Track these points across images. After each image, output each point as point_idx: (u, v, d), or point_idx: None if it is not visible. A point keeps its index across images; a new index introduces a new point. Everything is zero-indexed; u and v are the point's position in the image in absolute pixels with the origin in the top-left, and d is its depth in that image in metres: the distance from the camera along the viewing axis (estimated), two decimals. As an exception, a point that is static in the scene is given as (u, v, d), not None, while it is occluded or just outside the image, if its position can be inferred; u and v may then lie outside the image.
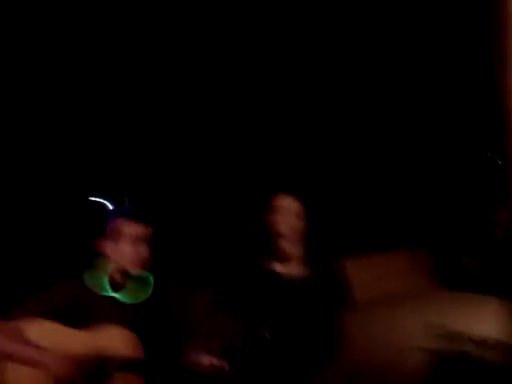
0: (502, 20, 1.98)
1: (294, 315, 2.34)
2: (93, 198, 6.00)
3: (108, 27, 5.38)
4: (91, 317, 1.88)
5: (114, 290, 1.96)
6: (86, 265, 2.03)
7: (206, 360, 1.91)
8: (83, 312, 1.89)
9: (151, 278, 2.07)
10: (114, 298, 1.95)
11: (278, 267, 2.41)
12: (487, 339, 2.70)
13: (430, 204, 8.81)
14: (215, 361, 1.91)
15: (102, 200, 6.24)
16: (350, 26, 5.82)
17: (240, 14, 5.48)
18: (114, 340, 1.87)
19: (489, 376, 2.46)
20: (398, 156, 8.44)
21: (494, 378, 2.42)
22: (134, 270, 1.96)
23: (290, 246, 2.43)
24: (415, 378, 2.73)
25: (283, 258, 2.41)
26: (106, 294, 1.95)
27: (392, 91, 7.24)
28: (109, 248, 1.96)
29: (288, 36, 5.93)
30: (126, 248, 1.94)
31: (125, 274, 1.97)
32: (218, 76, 6.34)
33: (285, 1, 5.41)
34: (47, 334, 1.82)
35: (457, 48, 5.81)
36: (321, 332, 2.40)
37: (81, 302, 1.91)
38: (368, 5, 5.41)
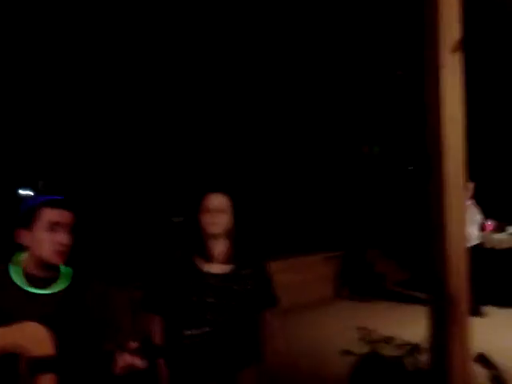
0: (432, 27, 2.08)
1: (217, 313, 2.33)
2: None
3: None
4: (5, 312, 1.79)
5: (30, 282, 1.87)
6: (7, 257, 1.94)
7: (124, 358, 1.86)
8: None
9: (70, 270, 1.99)
10: (29, 291, 1.86)
11: (205, 266, 2.39)
12: (408, 343, 2.78)
13: (352, 208, 9.10)
14: (133, 359, 1.86)
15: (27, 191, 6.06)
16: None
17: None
18: (27, 337, 1.78)
19: (407, 378, 2.53)
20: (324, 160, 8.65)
21: (411, 380, 2.49)
22: (51, 261, 1.87)
23: (216, 244, 2.42)
24: (339, 381, 2.74)
25: (209, 257, 2.40)
26: (21, 286, 1.86)
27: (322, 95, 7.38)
28: (26, 237, 1.87)
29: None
30: (41, 236, 1.82)
31: (41, 265, 1.89)
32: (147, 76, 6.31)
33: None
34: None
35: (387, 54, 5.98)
36: (244, 331, 2.40)
37: None
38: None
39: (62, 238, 1.85)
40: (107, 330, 1.98)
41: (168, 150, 7.08)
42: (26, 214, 1.86)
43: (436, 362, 2.01)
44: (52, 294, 1.90)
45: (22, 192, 6.30)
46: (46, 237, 1.83)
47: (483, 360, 2.14)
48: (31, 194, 6.50)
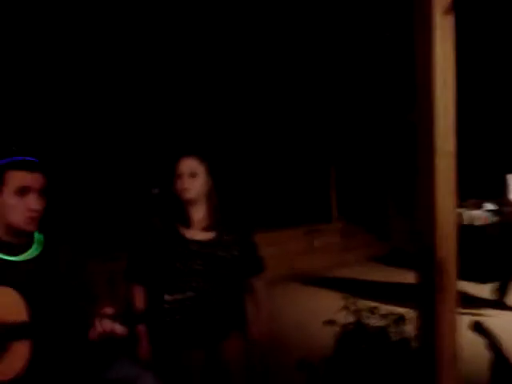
0: None
1: (202, 280, 2.28)
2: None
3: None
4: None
5: (2, 248, 1.77)
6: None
7: (103, 324, 1.79)
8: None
9: (41, 236, 1.89)
10: (1, 258, 1.77)
11: (187, 232, 2.33)
12: (393, 313, 2.76)
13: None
14: (112, 325, 1.79)
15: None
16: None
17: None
18: (1, 304, 1.69)
19: (391, 348, 2.52)
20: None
21: (396, 350, 2.48)
22: (22, 227, 1.77)
23: (195, 210, 2.36)
24: (323, 351, 2.73)
25: (190, 223, 2.34)
26: None
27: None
28: None
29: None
30: (10, 201, 1.72)
31: (12, 231, 1.79)
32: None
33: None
34: None
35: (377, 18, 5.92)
36: (230, 299, 2.36)
37: None
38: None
39: (33, 202, 1.74)
40: (84, 296, 1.91)
41: (144, 116, 6.96)
42: None
43: (423, 330, 1.99)
44: (25, 260, 1.80)
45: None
46: (16, 202, 1.73)
47: (479, 328, 2.12)
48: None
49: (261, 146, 8.58)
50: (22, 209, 1.73)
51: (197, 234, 2.34)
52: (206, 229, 2.36)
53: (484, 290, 5.89)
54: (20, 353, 1.68)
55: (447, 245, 1.93)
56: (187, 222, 2.34)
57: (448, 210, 2.00)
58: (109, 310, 1.79)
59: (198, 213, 2.38)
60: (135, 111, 6.85)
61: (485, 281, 6.46)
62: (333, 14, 6.01)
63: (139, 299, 2.33)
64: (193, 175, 2.32)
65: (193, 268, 2.27)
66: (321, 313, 3.26)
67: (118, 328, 1.77)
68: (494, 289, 5.55)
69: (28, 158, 1.77)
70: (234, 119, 7.90)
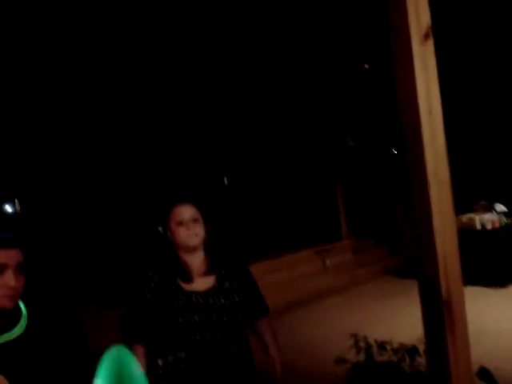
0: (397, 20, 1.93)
1: (206, 332, 2.20)
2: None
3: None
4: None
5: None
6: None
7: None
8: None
9: (24, 312, 1.81)
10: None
11: (186, 285, 2.26)
12: (405, 346, 2.65)
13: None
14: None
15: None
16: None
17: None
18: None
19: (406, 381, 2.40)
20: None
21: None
22: (1, 305, 1.69)
23: (193, 258, 2.29)
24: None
25: (189, 274, 2.26)
26: None
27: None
28: None
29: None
30: None
31: (-6, 310, 1.71)
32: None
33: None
34: None
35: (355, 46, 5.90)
36: (237, 346, 2.27)
37: None
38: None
39: (10, 280, 1.67)
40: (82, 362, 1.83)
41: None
42: None
43: (435, 368, 1.88)
44: (8, 341, 1.72)
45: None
46: None
47: (484, 375, 2.01)
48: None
49: (262, 168, 8.53)
50: None
51: (196, 283, 2.27)
52: (205, 274, 2.29)
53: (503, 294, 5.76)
54: None
55: (453, 282, 1.83)
56: (186, 274, 2.27)
57: (450, 240, 1.90)
58: None
59: (196, 260, 2.31)
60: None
61: (504, 283, 6.32)
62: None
63: (140, 360, 2.24)
64: (195, 221, 2.27)
65: (195, 321, 2.19)
66: (331, 345, 3.16)
67: None
68: None
69: (4, 235, 1.70)
70: (237, 140, 7.87)
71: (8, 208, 6.73)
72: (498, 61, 6.57)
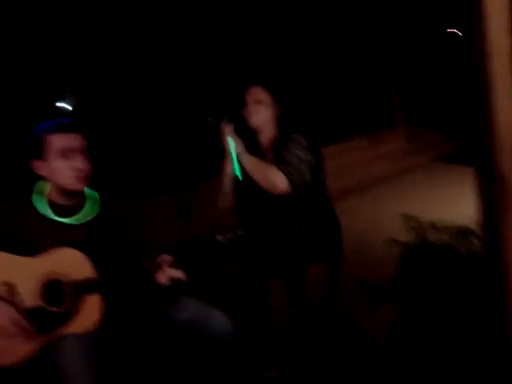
0: None
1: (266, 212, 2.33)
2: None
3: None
4: (38, 242, 1.78)
5: (56, 211, 1.84)
6: (30, 188, 1.89)
7: (164, 272, 1.85)
8: (29, 237, 1.78)
9: (96, 194, 1.94)
10: (57, 220, 1.84)
11: None
12: (460, 228, 2.64)
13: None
14: (173, 272, 1.85)
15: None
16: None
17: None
18: (65, 263, 1.78)
19: (460, 262, 2.44)
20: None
21: (462, 269, 2.40)
22: (72, 188, 1.82)
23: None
24: (386, 272, 2.70)
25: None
26: (48, 216, 1.83)
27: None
28: (42, 168, 1.81)
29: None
30: (57, 164, 1.77)
31: (64, 193, 1.84)
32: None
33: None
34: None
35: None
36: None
37: (25, 227, 1.81)
38: None
39: (78, 163, 1.78)
40: (142, 248, 1.97)
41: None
42: (35, 145, 1.78)
43: (489, 247, 1.90)
44: (84, 222, 1.86)
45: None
46: (62, 165, 1.77)
47: None
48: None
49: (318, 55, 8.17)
50: (69, 170, 1.78)
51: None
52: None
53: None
54: (94, 306, 1.78)
55: (510, 157, 1.78)
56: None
57: (509, 116, 1.83)
58: (166, 258, 1.84)
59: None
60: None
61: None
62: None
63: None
64: (259, 102, 2.40)
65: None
66: (381, 230, 3.21)
67: (179, 274, 1.83)
68: None
69: (64, 121, 1.79)
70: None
71: (66, 106, 6.91)
72: None
